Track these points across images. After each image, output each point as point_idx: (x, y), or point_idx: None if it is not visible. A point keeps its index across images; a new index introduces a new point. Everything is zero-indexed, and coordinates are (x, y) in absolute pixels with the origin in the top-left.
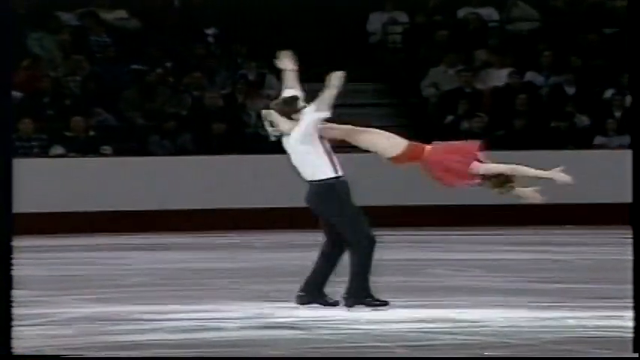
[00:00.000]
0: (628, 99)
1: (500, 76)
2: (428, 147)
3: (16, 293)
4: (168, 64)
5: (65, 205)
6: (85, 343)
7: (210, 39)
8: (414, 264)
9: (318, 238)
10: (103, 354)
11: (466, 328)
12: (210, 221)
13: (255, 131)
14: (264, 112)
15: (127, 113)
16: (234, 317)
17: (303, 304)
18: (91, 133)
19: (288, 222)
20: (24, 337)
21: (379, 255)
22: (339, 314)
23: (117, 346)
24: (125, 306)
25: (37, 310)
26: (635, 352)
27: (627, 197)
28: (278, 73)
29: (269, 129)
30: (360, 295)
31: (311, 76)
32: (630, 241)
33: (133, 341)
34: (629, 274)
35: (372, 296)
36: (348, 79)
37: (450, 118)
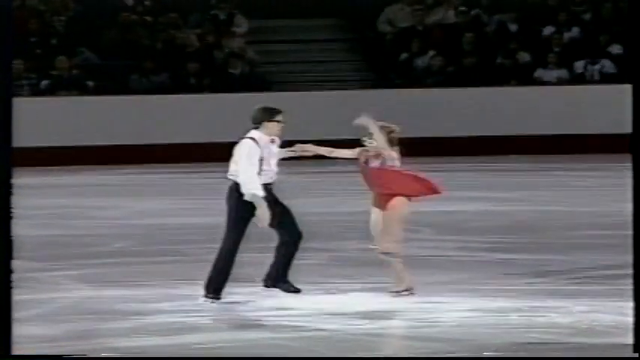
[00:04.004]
0: (566, 36)
1: (449, 14)
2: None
3: None
4: (147, 3)
5: (54, 140)
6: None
7: None
8: (359, 219)
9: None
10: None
11: (417, 328)
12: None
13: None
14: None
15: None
16: (204, 312)
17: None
18: (75, 71)
19: None
20: None
21: None
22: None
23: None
24: (106, 290)
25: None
26: (635, 352)
27: (563, 129)
28: (246, 13)
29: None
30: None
31: (271, 13)
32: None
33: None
34: (574, 236)
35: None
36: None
37: (404, 55)
